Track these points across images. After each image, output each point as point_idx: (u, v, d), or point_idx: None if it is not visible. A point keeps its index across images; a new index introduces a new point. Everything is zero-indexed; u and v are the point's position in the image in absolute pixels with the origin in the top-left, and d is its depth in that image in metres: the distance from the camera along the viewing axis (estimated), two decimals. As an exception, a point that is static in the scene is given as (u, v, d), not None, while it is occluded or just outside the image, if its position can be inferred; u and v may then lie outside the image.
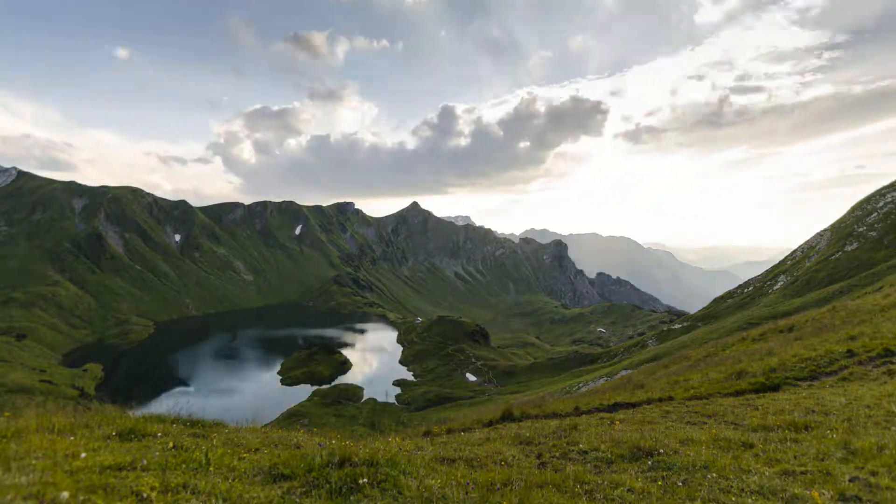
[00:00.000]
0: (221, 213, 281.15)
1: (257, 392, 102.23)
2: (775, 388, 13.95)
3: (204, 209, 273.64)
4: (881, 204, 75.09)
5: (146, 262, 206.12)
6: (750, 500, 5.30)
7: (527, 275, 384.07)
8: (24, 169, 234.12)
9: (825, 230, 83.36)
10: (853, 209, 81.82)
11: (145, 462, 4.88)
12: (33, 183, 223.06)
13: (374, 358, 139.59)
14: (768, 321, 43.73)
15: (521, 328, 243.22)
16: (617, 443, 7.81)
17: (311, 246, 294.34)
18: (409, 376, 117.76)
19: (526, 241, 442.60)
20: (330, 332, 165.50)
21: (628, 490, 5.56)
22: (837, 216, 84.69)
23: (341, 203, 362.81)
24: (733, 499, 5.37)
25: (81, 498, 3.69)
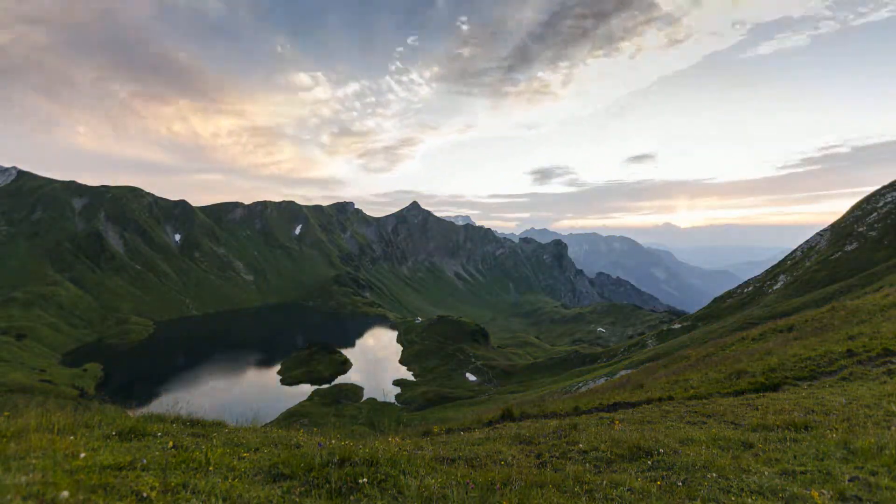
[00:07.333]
0: (221, 212, 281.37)
1: (257, 392, 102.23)
2: (775, 388, 13.96)
3: (204, 209, 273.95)
4: (881, 204, 75.13)
5: (146, 261, 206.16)
6: (750, 500, 5.30)
7: (527, 275, 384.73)
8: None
9: (825, 230, 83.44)
10: (853, 209, 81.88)
11: (145, 462, 4.88)
12: (33, 182, 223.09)
13: (374, 358, 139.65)
14: (768, 321, 43.72)
15: (520, 328, 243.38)
16: (617, 442, 7.81)
17: (310, 245, 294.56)
18: (408, 376, 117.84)
19: (526, 240, 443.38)
20: (330, 332, 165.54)
21: (628, 490, 5.56)
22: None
23: (341, 203, 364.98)
24: (733, 498, 5.37)
25: (81, 497, 3.69)
